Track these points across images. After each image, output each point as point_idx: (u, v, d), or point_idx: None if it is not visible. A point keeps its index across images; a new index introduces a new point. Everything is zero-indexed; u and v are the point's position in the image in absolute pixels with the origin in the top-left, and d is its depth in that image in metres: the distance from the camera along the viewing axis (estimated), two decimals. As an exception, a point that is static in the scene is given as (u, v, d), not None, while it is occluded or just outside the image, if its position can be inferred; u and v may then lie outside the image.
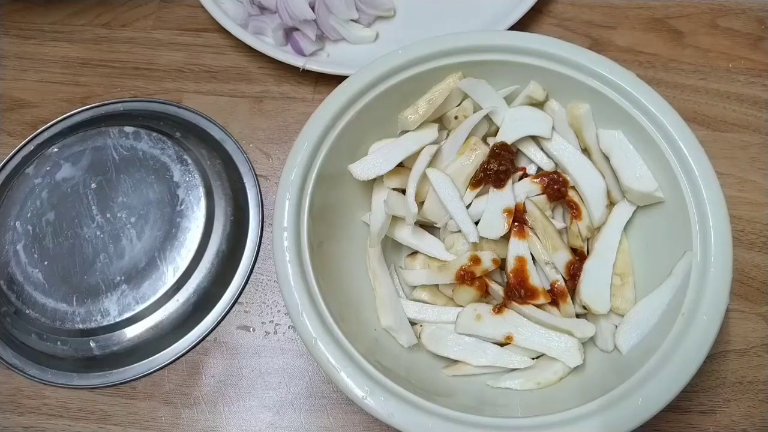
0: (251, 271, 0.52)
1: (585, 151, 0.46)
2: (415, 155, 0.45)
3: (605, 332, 0.41)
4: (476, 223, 0.43)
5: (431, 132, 0.45)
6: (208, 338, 0.50)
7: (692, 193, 0.39)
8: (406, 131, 0.46)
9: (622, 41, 0.61)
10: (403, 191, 0.45)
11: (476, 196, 0.44)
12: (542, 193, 0.44)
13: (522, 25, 0.59)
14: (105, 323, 0.49)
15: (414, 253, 0.46)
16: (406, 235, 0.45)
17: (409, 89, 0.45)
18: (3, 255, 0.51)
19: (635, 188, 0.42)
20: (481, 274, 0.42)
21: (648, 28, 0.61)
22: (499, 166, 0.43)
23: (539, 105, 0.46)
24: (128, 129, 0.56)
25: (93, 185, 0.54)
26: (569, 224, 0.45)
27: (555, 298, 0.42)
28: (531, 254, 0.43)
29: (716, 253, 0.37)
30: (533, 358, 0.42)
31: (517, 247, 0.43)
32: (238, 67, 0.62)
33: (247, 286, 0.52)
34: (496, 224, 0.42)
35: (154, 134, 0.55)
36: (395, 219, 0.45)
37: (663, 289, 0.39)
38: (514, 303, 0.42)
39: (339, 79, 0.47)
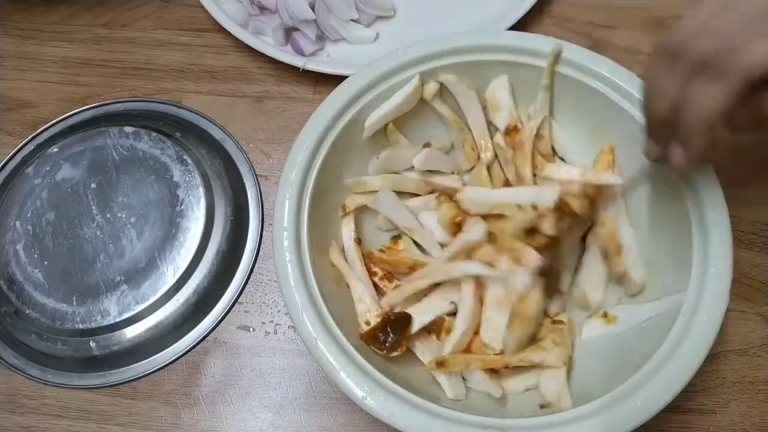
0: (251, 271, 0.52)
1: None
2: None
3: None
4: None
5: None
6: (208, 338, 0.50)
7: (692, 193, 0.39)
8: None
9: (622, 41, 0.61)
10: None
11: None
12: None
13: (522, 25, 0.59)
14: (105, 323, 0.49)
15: (397, 237, 0.46)
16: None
17: (409, 89, 0.45)
18: (3, 255, 0.51)
19: None
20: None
21: (648, 28, 0.61)
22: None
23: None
24: (128, 129, 0.56)
25: (93, 185, 0.54)
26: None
27: None
28: None
29: (716, 253, 0.37)
30: None
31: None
32: (238, 67, 0.62)
33: (247, 286, 0.52)
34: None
35: (154, 134, 0.55)
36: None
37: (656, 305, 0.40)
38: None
39: (339, 79, 0.47)
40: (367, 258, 0.44)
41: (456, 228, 0.44)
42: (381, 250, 0.45)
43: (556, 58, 0.44)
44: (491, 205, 0.41)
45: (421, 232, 0.45)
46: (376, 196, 0.44)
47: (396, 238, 0.47)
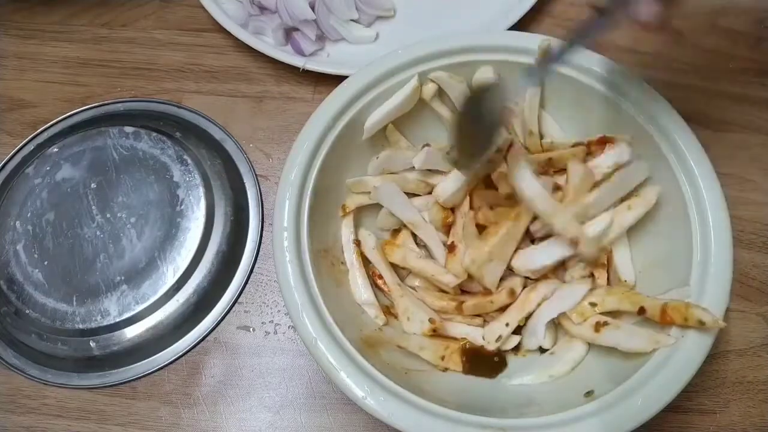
0: (251, 271, 0.52)
1: None
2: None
3: None
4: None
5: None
6: (208, 338, 0.50)
7: (692, 193, 0.39)
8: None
9: (622, 41, 0.61)
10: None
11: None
12: None
13: (522, 25, 0.59)
14: (105, 323, 0.49)
15: (397, 230, 0.47)
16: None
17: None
18: (3, 255, 0.51)
19: None
20: None
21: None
22: None
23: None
24: (128, 129, 0.56)
25: (93, 185, 0.54)
26: None
27: None
28: None
29: (716, 253, 0.37)
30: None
31: None
32: (238, 67, 0.62)
33: (247, 286, 0.52)
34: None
35: (154, 134, 0.55)
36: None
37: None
38: None
39: (339, 79, 0.47)
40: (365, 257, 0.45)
41: (448, 230, 0.44)
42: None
43: (545, 53, 0.43)
44: (465, 186, 0.42)
45: (422, 224, 0.45)
46: (377, 187, 0.44)
47: (396, 231, 0.47)
